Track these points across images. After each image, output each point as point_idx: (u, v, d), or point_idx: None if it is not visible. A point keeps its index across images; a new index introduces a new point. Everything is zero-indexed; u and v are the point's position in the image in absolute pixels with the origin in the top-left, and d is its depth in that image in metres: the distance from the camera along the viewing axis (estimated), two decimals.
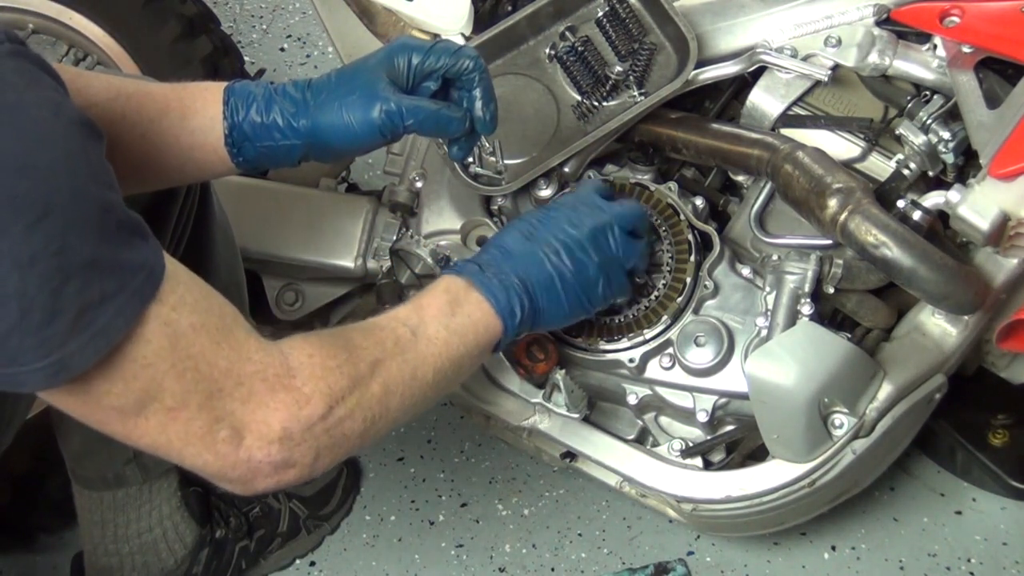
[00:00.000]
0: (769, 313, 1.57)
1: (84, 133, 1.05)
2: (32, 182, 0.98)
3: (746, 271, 1.63)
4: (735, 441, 1.66)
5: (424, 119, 1.37)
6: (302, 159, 1.41)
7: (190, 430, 1.12)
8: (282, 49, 2.67)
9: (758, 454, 1.64)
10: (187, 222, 1.58)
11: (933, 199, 1.51)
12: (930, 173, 1.61)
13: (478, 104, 1.42)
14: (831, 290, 1.59)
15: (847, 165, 1.61)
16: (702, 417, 1.61)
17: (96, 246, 1.03)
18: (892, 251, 1.43)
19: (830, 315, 1.64)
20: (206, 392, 1.12)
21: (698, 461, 1.65)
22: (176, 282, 1.11)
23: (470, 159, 1.68)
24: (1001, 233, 1.46)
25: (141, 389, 1.09)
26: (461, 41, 1.73)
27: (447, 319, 1.32)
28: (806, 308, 1.55)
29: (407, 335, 1.29)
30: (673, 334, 1.61)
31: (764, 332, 1.57)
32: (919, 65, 1.60)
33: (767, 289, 1.59)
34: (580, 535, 1.94)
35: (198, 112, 1.38)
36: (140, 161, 1.37)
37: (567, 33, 1.72)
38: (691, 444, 1.65)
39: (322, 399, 1.18)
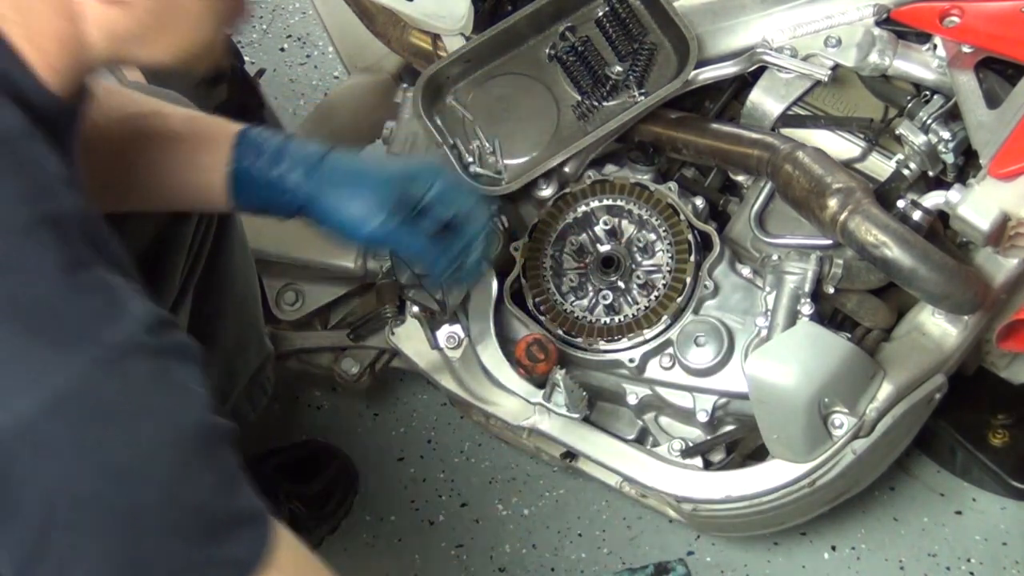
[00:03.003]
0: (769, 313, 1.57)
1: (203, 442, 0.98)
2: (129, 490, 0.93)
3: (746, 271, 1.63)
4: (735, 441, 1.66)
5: (413, 253, 1.37)
6: (297, 215, 1.41)
7: None
8: (282, 49, 2.67)
9: (758, 454, 1.64)
10: (204, 237, 1.58)
11: (933, 199, 1.51)
12: (930, 173, 1.61)
13: (471, 257, 1.41)
14: (831, 290, 1.59)
15: (847, 165, 1.61)
16: (702, 417, 1.61)
17: (183, 551, 0.97)
18: (892, 251, 1.43)
19: (830, 315, 1.64)
20: None
21: (698, 461, 1.65)
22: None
23: (470, 159, 1.69)
24: (1001, 233, 1.46)
25: None
26: (461, 41, 1.73)
27: None
28: (806, 308, 1.55)
29: None
30: (673, 334, 1.61)
31: (764, 332, 1.57)
32: (919, 65, 1.60)
33: (767, 289, 1.59)
34: (580, 535, 1.94)
35: (209, 151, 1.38)
36: (146, 181, 1.37)
37: (567, 33, 1.72)
38: (691, 444, 1.65)
39: None
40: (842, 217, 1.47)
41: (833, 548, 1.88)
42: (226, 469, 0.99)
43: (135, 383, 0.93)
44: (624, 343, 1.62)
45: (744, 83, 1.70)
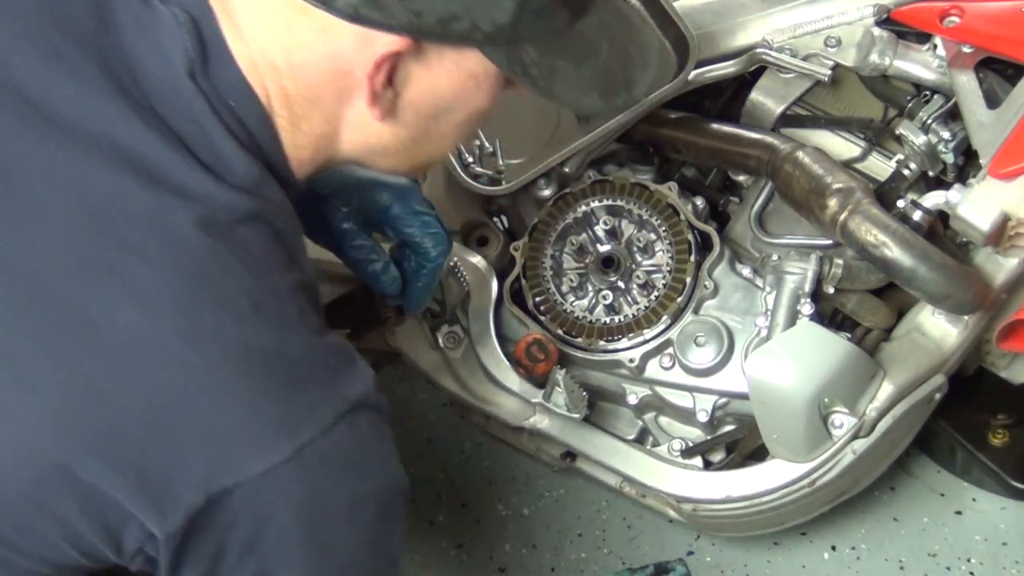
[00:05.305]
0: (769, 313, 1.57)
1: (399, 492, 1.10)
2: (340, 531, 1.05)
3: (746, 271, 1.63)
4: (735, 441, 1.66)
5: (358, 264, 1.36)
6: None
7: None
8: None
9: (758, 454, 1.64)
10: None
11: (933, 199, 1.51)
12: (930, 173, 1.61)
13: (417, 285, 1.41)
14: (831, 290, 1.59)
15: (847, 165, 1.61)
16: (702, 417, 1.61)
17: None
18: (892, 251, 1.43)
19: (830, 315, 1.64)
20: None
21: (698, 461, 1.65)
22: None
23: (470, 159, 1.69)
24: (1001, 233, 1.46)
25: None
26: None
27: None
28: (806, 308, 1.55)
29: None
30: (673, 334, 1.61)
31: (764, 332, 1.57)
32: (919, 65, 1.60)
33: (767, 289, 1.59)
34: (580, 535, 1.94)
35: None
36: None
37: None
38: (691, 444, 1.65)
39: None
40: (842, 217, 1.47)
41: (833, 548, 1.88)
42: (402, 517, 1.12)
43: (362, 435, 1.04)
44: (624, 343, 1.62)
45: (744, 83, 1.70)
